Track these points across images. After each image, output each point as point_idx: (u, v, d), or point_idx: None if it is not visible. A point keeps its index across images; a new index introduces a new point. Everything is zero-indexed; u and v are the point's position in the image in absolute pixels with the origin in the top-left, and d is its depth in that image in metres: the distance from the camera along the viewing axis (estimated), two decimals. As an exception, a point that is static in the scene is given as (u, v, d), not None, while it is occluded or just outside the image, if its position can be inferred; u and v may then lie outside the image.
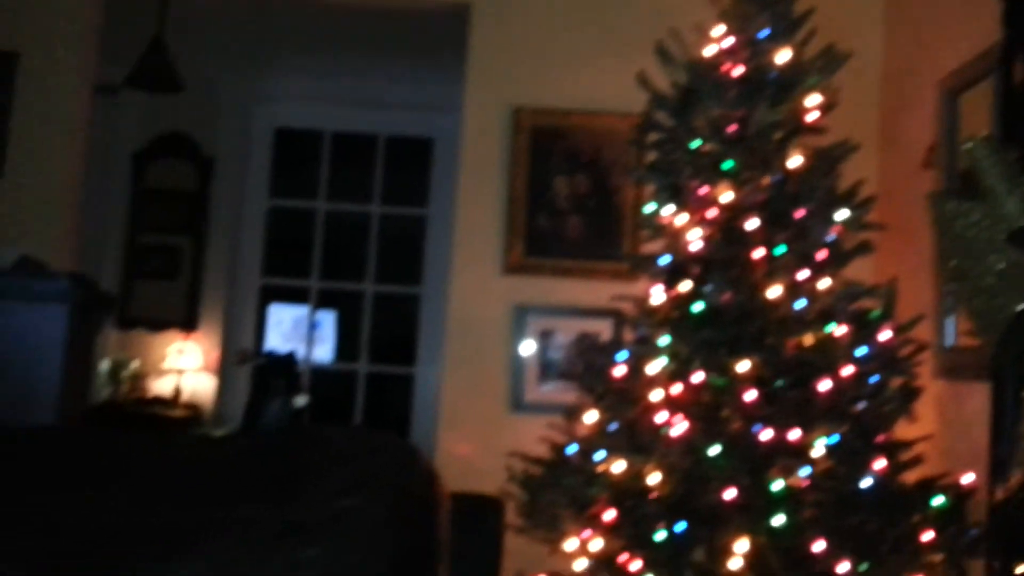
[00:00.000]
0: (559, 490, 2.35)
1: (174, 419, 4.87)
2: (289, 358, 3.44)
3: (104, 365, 4.96)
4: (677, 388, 2.26)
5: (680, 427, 2.21)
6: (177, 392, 5.06)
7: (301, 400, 3.27)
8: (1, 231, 3.45)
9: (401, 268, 5.61)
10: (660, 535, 2.16)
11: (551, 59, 3.51)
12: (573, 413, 2.44)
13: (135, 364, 5.12)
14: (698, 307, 2.31)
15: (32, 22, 3.56)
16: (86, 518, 0.81)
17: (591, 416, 2.39)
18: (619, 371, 2.39)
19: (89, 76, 3.71)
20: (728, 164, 2.38)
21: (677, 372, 2.29)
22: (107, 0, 3.72)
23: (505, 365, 3.39)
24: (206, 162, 5.36)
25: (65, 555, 0.79)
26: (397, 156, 5.57)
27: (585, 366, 2.50)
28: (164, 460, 0.91)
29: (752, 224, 2.33)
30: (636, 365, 2.38)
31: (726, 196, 2.37)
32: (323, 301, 5.70)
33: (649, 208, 2.51)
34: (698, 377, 2.26)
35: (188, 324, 5.26)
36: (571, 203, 3.47)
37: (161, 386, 5.14)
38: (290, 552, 0.79)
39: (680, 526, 2.15)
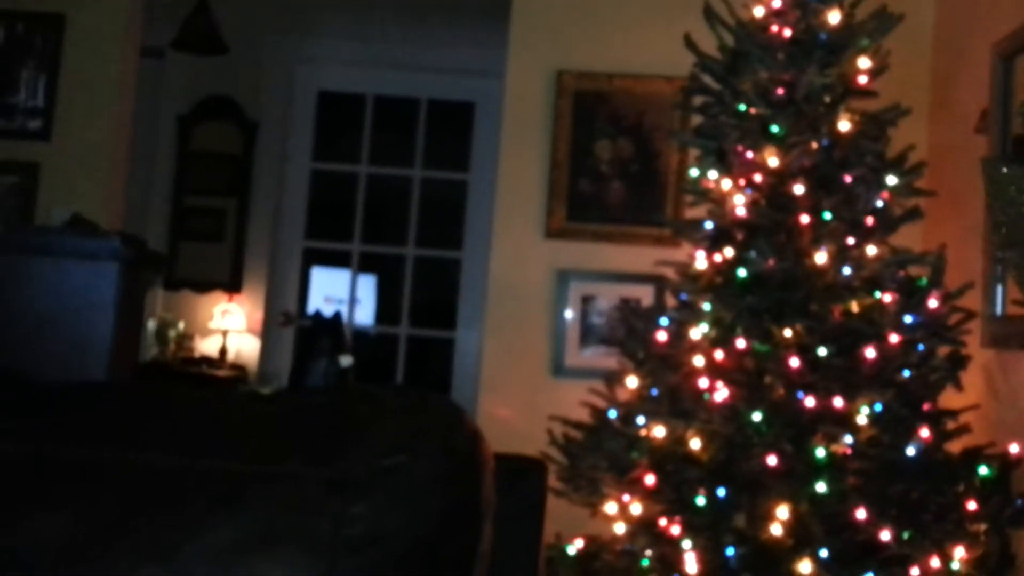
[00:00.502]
0: (600, 454, 2.35)
1: (221, 378, 4.95)
2: (335, 319, 3.47)
3: (151, 325, 5.04)
4: (719, 354, 2.25)
5: (722, 393, 2.20)
6: (223, 352, 5.14)
7: (347, 360, 3.29)
8: (49, 193, 3.51)
9: (442, 232, 5.61)
10: (700, 500, 2.16)
11: (594, 21, 3.47)
12: (614, 378, 2.44)
13: (181, 324, 5.20)
14: (742, 273, 2.28)
15: (79, -16, 3.59)
16: (133, 470, 0.82)
17: (632, 381, 2.39)
18: (661, 336, 2.38)
19: (135, 39, 3.73)
20: (775, 128, 2.34)
21: (720, 338, 2.28)
22: (153, -38, 3.74)
23: (546, 329, 3.39)
24: (250, 125, 5.39)
25: (111, 505, 0.80)
26: (439, 120, 5.55)
27: (627, 331, 2.49)
28: (212, 415, 0.92)
29: (799, 189, 2.30)
30: (678, 331, 2.37)
31: (773, 160, 2.34)
32: (364, 265, 5.73)
33: (693, 172, 2.49)
34: (741, 343, 2.24)
35: (233, 285, 5.32)
36: (614, 167, 3.44)
37: (207, 346, 5.22)
38: (336, 508, 0.80)
39: (721, 491, 2.15)
